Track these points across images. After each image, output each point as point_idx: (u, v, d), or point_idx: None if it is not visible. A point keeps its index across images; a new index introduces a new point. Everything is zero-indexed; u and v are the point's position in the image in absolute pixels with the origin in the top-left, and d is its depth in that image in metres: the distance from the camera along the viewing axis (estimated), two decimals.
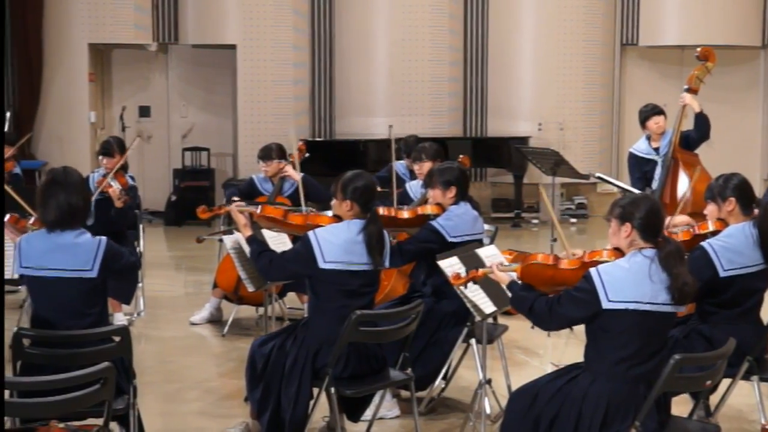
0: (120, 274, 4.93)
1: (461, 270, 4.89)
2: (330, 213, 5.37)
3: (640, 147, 8.06)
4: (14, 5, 13.21)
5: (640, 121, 8.01)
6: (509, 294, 4.45)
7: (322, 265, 4.97)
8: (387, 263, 5.18)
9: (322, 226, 5.18)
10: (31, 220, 5.69)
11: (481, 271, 4.64)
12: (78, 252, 4.59)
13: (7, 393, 4.24)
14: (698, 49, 7.91)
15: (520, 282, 4.38)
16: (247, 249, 5.42)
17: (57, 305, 4.59)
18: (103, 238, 4.67)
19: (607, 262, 4.20)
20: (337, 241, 5.00)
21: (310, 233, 5.03)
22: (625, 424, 4.08)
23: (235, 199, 7.54)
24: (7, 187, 7.05)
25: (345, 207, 5.10)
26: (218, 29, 13.39)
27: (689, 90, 7.77)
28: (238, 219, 5.44)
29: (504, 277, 4.46)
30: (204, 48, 13.94)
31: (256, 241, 5.29)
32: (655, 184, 7.79)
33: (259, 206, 5.65)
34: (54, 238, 4.61)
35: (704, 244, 5.14)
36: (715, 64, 7.84)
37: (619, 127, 14.44)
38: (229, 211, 5.57)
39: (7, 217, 5.36)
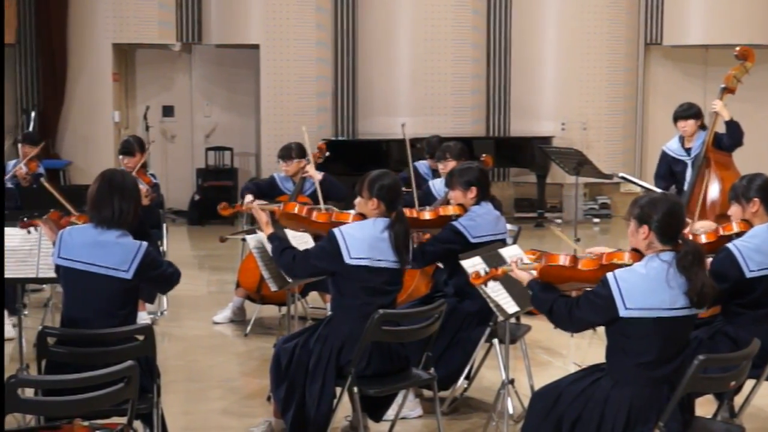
0: (155, 283, 4.92)
1: (482, 269, 4.87)
2: (352, 212, 5.36)
3: (672, 146, 7.98)
4: (39, 5, 13.30)
5: (673, 120, 7.94)
6: (530, 293, 4.43)
7: (348, 260, 4.96)
8: (411, 261, 5.19)
9: (346, 223, 5.18)
10: (74, 217, 5.66)
11: (501, 269, 4.63)
12: (117, 251, 4.62)
13: (31, 391, 4.28)
14: (737, 48, 7.74)
15: (540, 282, 4.36)
16: (269, 248, 5.41)
17: (88, 301, 4.61)
18: (145, 243, 4.69)
19: (625, 265, 4.17)
20: (363, 237, 5.00)
21: (335, 230, 5.03)
22: (647, 426, 4.05)
23: (249, 196, 7.56)
24: (46, 184, 7.05)
25: (371, 205, 5.10)
26: (241, 29, 13.42)
27: (726, 89, 7.61)
28: (259, 217, 5.42)
29: (524, 276, 4.43)
30: (227, 48, 13.98)
31: (278, 239, 5.28)
32: (686, 186, 7.71)
33: (282, 204, 5.63)
34: (97, 233, 4.65)
35: (729, 245, 5.11)
36: (753, 64, 7.68)
37: (642, 126, 14.37)
38: (251, 209, 5.56)
39: (49, 213, 5.35)
